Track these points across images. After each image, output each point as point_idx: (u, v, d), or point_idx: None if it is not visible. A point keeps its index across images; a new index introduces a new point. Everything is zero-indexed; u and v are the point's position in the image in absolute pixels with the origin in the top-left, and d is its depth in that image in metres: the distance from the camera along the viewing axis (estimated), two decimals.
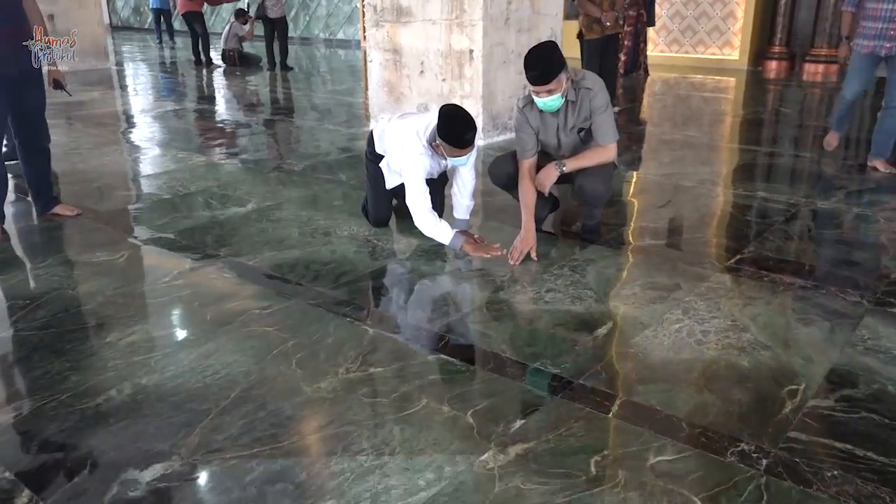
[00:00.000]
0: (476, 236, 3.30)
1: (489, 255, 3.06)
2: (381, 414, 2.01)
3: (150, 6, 14.27)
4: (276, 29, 10.41)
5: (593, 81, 3.03)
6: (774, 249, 3.25)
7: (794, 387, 2.13)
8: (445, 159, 3.10)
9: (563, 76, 2.92)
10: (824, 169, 4.79)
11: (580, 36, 6.52)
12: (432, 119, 3.06)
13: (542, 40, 5.56)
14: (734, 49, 10.48)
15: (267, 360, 2.29)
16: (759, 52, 10.46)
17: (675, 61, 10.82)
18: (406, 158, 3.08)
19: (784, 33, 10.23)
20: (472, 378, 2.21)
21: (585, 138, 3.13)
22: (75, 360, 2.31)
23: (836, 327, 2.51)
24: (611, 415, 2.00)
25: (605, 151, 3.09)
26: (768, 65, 10.29)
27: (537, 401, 2.08)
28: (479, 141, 5.39)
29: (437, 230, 3.09)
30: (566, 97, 2.99)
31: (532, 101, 3.05)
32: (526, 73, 2.92)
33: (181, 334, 2.49)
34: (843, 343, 2.40)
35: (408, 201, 3.11)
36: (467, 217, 3.32)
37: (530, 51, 2.94)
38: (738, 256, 3.16)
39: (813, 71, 9.85)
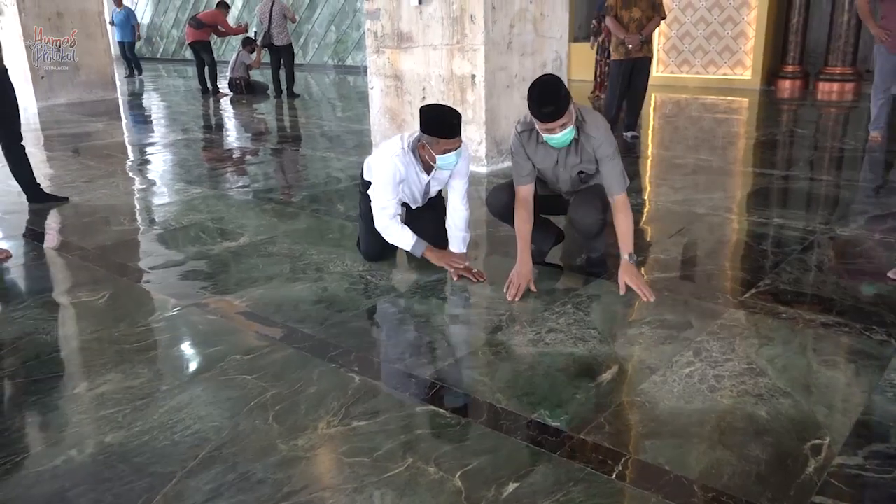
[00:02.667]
0: (475, 271, 3.14)
1: (452, 269, 2.94)
2: (360, 476, 1.83)
3: (117, 39, 13.72)
4: (283, 56, 10.37)
5: (596, 127, 2.85)
6: (792, 282, 3.05)
7: (817, 441, 1.93)
8: (430, 171, 2.95)
9: (571, 107, 2.76)
10: (843, 192, 4.58)
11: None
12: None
13: (546, 65, 5.50)
14: (746, 69, 10.31)
15: (242, 413, 2.12)
16: (772, 71, 10.29)
17: (686, 82, 10.66)
18: (380, 158, 2.94)
19: (797, 52, 10.05)
20: (463, 433, 2.03)
21: (585, 179, 2.99)
22: (38, 414, 2.15)
23: (862, 370, 2.30)
24: (614, 476, 1.81)
25: (624, 207, 2.90)
26: (781, 84, 10.11)
27: (533, 459, 1.89)
28: (483, 168, 5.28)
29: (399, 235, 3.02)
30: None
31: (532, 129, 2.90)
32: (537, 110, 2.71)
33: (155, 384, 2.32)
34: (869, 388, 2.19)
35: (372, 203, 3.01)
36: (464, 250, 3.15)
37: (536, 89, 2.72)
38: (753, 290, 2.96)
39: (827, 90, 9.64)
